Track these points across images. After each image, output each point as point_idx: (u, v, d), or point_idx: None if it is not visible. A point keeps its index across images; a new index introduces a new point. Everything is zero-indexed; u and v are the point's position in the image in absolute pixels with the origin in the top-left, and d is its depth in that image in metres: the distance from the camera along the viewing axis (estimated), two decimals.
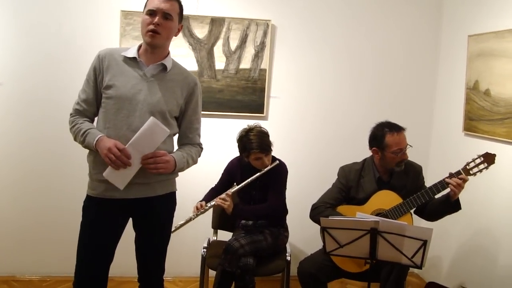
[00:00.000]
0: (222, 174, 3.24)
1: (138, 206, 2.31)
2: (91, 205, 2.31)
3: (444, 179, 2.74)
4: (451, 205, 2.78)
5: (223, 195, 2.98)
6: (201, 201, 3.04)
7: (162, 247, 2.48)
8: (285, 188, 3.17)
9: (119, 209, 2.29)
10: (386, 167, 2.94)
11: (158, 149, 2.21)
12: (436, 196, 2.82)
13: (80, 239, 2.32)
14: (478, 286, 3.26)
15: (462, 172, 2.72)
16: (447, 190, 2.75)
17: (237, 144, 3.11)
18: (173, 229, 2.68)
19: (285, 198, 3.18)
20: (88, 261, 2.29)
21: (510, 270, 3.01)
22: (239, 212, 3.05)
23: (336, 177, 3.12)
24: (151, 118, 2.16)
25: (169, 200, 2.45)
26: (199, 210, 2.94)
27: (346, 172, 3.05)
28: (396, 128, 2.89)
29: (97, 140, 2.17)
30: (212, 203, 2.97)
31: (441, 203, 2.84)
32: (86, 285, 2.31)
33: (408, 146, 2.89)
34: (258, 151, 2.99)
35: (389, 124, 2.94)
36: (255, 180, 3.06)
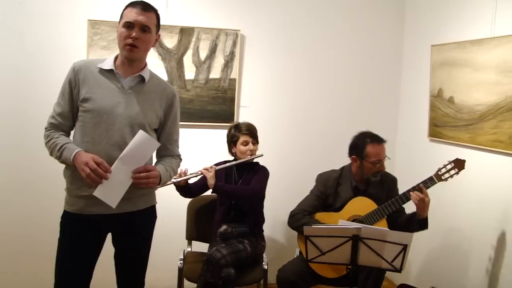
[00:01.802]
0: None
1: (118, 221, 2.25)
2: (68, 221, 2.24)
3: (414, 187, 2.84)
4: (417, 222, 2.85)
5: (207, 166, 3.06)
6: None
7: (143, 262, 2.43)
8: (265, 185, 3.21)
9: (99, 224, 2.23)
10: (362, 176, 3.01)
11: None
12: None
13: (58, 256, 2.25)
14: (449, 287, 3.37)
15: (434, 178, 2.83)
16: None
17: (226, 139, 3.26)
18: None
19: (263, 198, 3.25)
20: (67, 279, 2.23)
21: (479, 270, 3.13)
22: (220, 186, 3.07)
23: (310, 184, 3.18)
24: (140, 131, 2.13)
25: (150, 214, 2.41)
26: (181, 176, 2.99)
27: (324, 180, 3.10)
28: (377, 140, 2.96)
29: (74, 156, 2.11)
30: (196, 171, 3.04)
31: (408, 219, 2.92)
32: None
33: (386, 158, 2.96)
34: (247, 133, 3.15)
35: (371, 135, 3.00)
36: (238, 179, 3.21)
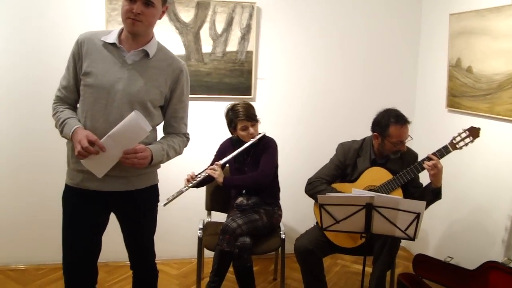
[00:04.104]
0: (215, 155, 3.29)
1: (116, 199, 2.24)
2: (69, 195, 2.26)
3: (427, 156, 2.84)
4: (432, 191, 2.86)
5: (213, 166, 3.05)
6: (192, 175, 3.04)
7: (148, 239, 2.42)
8: (276, 161, 3.22)
9: (97, 201, 2.22)
10: (382, 152, 3.01)
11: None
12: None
13: (62, 228, 2.27)
14: (465, 257, 3.39)
15: (448, 146, 2.83)
16: None
17: (225, 120, 3.20)
18: (165, 202, 2.73)
19: (276, 169, 3.25)
20: (71, 250, 2.25)
21: (495, 240, 3.15)
22: (229, 181, 3.11)
23: (328, 152, 3.18)
24: (133, 113, 2.05)
25: (150, 194, 2.36)
26: (190, 182, 2.97)
27: (345, 150, 3.11)
28: (401, 121, 2.91)
29: (72, 132, 2.09)
30: (202, 173, 3.01)
31: (423, 190, 2.93)
32: (73, 272, 2.28)
33: (408, 138, 2.95)
34: (244, 119, 3.09)
35: (396, 115, 2.94)
36: (247, 157, 3.20)
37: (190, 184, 2.96)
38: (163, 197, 2.73)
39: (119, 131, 2.04)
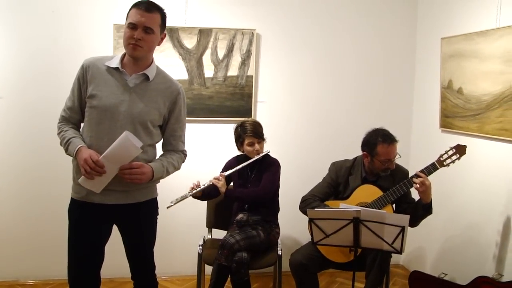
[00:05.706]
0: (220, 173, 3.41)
1: (118, 212, 2.38)
2: (74, 208, 2.41)
3: (415, 173, 2.95)
4: (422, 207, 2.96)
5: (217, 176, 3.20)
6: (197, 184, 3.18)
7: (148, 249, 2.55)
8: (278, 179, 3.35)
9: (100, 213, 2.36)
10: (373, 170, 3.13)
11: (138, 159, 2.28)
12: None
13: (68, 240, 2.42)
14: (459, 272, 3.45)
15: (436, 163, 2.94)
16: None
17: (233, 136, 3.36)
18: (168, 205, 2.89)
19: (277, 189, 3.38)
20: (76, 260, 2.40)
21: (487, 255, 3.22)
22: (231, 192, 3.23)
23: (326, 172, 3.31)
24: (124, 133, 2.19)
25: (150, 207, 2.51)
26: (194, 189, 3.11)
27: (337, 169, 3.24)
28: (388, 140, 3.03)
29: (76, 151, 2.25)
30: (207, 182, 3.16)
31: (415, 206, 3.03)
32: (77, 281, 2.41)
33: (397, 156, 3.06)
34: (251, 135, 3.25)
35: (383, 134, 3.07)
36: (251, 174, 3.34)
37: (194, 191, 3.11)
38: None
39: (112, 151, 2.19)
